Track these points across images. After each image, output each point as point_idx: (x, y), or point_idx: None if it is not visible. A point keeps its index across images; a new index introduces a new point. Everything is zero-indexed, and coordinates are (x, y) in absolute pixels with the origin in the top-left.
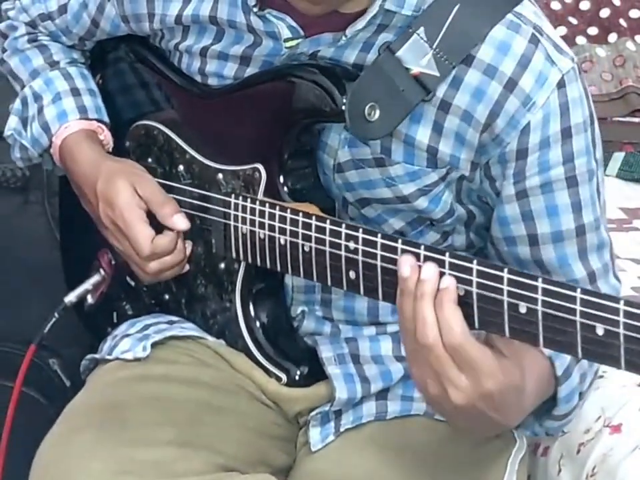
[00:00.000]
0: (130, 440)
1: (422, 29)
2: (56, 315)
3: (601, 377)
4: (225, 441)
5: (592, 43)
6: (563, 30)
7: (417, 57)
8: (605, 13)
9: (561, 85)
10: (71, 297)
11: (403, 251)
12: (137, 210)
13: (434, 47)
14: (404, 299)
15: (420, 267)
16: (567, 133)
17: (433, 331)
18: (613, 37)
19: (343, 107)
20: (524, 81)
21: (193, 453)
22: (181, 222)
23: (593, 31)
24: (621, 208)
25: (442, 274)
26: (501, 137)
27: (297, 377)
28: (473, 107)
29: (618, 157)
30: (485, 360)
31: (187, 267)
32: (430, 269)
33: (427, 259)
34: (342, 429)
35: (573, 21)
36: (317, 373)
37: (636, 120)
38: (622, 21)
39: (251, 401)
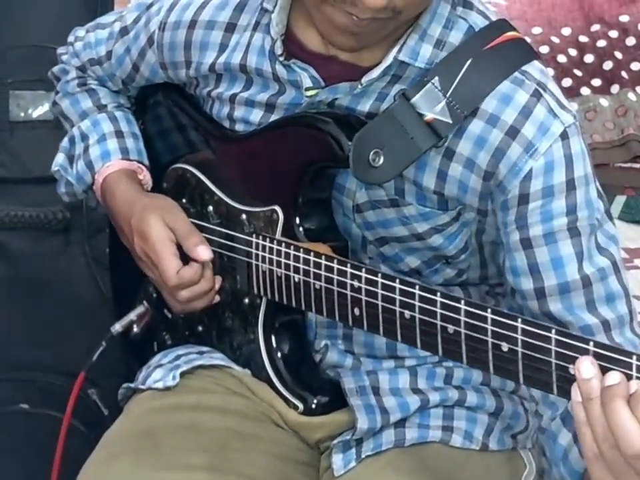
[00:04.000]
0: (163, 465)
1: (436, 78)
2: (103, 343)
3: None
4: (252, 465)
5: (595, 93)
6: (568, 81)
7: (431, 104)
8: (607, 65)
9: (564, 136)
10: (117, 327)
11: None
12: (168, 242)
13: (447, 95)
14: (589, 404)
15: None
16: (571, 185)
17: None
18: (615, 88)
19: (349, 153)
20: (526, 129)
21: (222, 477)
22: (203, 252)
23: (596, 82)
24: (623, 248)
25: (434, 314)
26: (504, 184)
27: (313, 406)
28: (475, 154)
29: (620, 201)
30: None
31: (217, 297)
32: (617, 374)
33: (421, 299)
34: (363, 456)
35: (578, 73)
36: (336, 403)
37: (637, 166)
38: (624, 73)
39: (275, 428)
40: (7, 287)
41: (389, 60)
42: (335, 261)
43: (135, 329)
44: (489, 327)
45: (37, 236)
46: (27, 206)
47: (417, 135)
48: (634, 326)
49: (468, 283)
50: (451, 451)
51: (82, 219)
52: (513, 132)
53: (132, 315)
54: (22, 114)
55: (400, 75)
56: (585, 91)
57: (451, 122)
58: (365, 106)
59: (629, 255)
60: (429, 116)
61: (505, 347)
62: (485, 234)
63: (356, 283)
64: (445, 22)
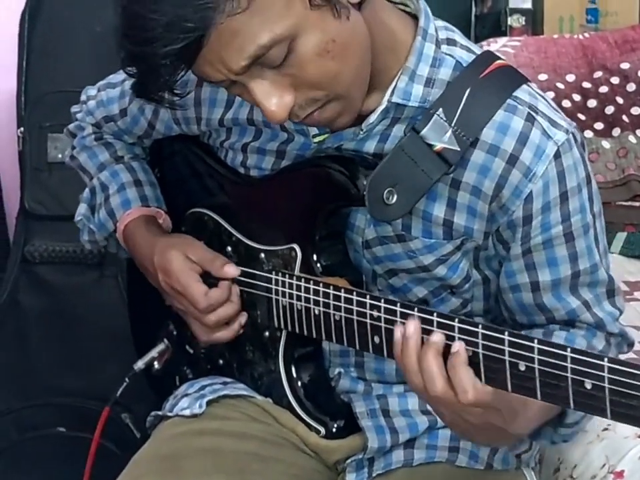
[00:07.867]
0: None
1: (441, 109)
2: (126, 380)
3: (606, 429)
4: None
5: (598, 136)
6: None
7: (439, 134)
8: (609, 110)
9: (557, 155)
10: (139, 364)
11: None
12: (190, 272)
13: (453, 124)
14: (407, 357)
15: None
16: (564, 197)
17: (439, 382)
18: (616, 131)
19: (364, 192)
20: (524, 156)
21: None
22: (231, 270)
23: (598, 125)
24: (623, 281)
25: (453, 338)
26: (507, 206)
27: (333, 430)
28: (481, 182)
29: (621, 237)
30: (493, 397)
31: (241, 330)
32: (439, 335)
33: (439, 325)
34: (374, 474)
35: (581, 117)
36: (351, 426)
37: (637, 204)
38: (624, 117)
39: (294, 451)
40: (45, 318)
41: (383, 104)
42: (354, 293)
43: (156, 365)
44: (507, 348)
45: (73, 270)
46: (64, 241)
47: (427, 167)
48: (617, 301)
49: (473, 314)
50: (457, 470)
51: (116, 255)
52: (512, 160)
53: (153, 352)
54: (59, 155)
55: (398, 117)
56: (588, 134)
57: (458, 149)
58: (370, 148)
59: (629, 288)
60: (438, 146)
61: (522, 365)
62: (480, 260)
63: (375, 313)
64: (432, 61)
